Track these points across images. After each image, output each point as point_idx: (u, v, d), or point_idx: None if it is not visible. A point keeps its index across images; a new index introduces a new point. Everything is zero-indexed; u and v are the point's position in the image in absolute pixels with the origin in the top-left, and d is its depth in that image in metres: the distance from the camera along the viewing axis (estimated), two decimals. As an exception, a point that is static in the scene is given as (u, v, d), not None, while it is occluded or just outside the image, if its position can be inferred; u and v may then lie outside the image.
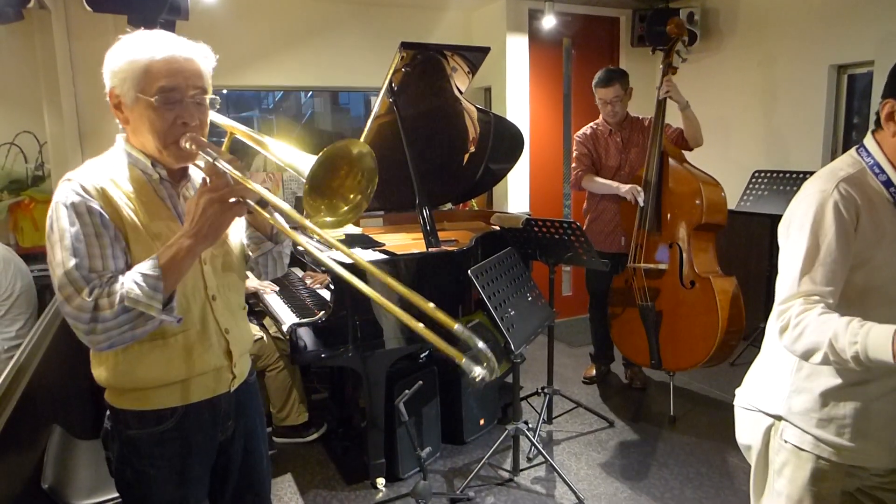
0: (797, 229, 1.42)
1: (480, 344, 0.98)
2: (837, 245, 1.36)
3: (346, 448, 3.20)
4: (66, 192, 1.24)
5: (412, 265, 2.78)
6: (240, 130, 1.41)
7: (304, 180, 1.21)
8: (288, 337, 2.58)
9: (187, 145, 1.29)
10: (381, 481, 2.80)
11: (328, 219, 1.30)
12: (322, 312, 2.63)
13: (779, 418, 1.52)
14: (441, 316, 1.01)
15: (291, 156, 1.30)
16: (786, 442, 1.50)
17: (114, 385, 1.38)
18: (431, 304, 1.04)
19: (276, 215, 1.38)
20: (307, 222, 1.19)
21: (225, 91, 5.12)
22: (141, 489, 1.42)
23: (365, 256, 2.76)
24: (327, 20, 4.54)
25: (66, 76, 3.45)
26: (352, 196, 1.32)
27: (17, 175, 3.05)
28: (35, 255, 2.95)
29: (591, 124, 3.75)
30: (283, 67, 4.45)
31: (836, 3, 3.90)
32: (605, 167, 3.67)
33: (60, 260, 1.20)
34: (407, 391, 2.62)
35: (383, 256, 2.79)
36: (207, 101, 1.35)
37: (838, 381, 1.42)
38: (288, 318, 2.74)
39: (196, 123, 1.31)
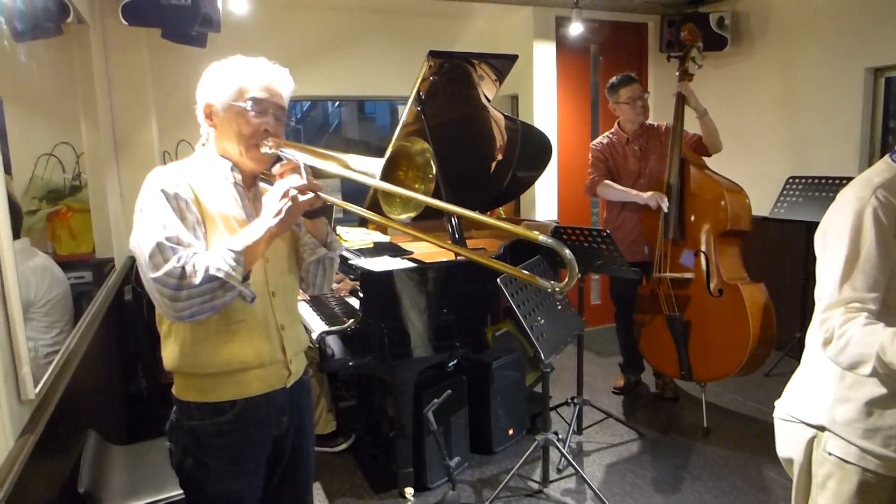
0: (835, 237, 1.40)
1: (567, 252, 1.16)
2: (877, 251, 1.34)
3: (374, 456, 3.20)
4: (156, 179, 1.41)
5: (441, 273, 2.77)
6: (308, 149, 1.62)
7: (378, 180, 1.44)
8: (317, 345, 2.59)
9: (267, 149, 1.47)
10: (409, 490, 2.79)
11: (404, 216, 1.51)
12: (351, 321, 2.64)
13: (821, 429, 1.48)
14: (524, 231, 1.24)
15: (358, 163, 1.49)
16: (829, 454, 1.46)
17: (180, 368, 1.49)
18: (508, 224, 1.30)
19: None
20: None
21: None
22: (200, 479, 1.52)
23: (393, 265, 2.76)
24: (354, 30, 4.59)
25: (102, 88, 3.54)
26: (417, 186, 1.52)
27: (55, 185, 3.10)
28: (72, 264, 3.01)
29: (607, 134, 3.73)
30: (311, 77, 4.50)
31: (873, 4, 3.82)
32: (623, 176, 3.63)
33: (151, 233, 1.33)
34: (436, 400, 2.61)
35: (412, 265, 2.79)
36: (284, 120, 1.56)
37: (884, 389, 1.38)
38: (317, 326, 2.75)
39: (275, 133, 1.50)
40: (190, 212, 1.40)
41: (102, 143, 3.44)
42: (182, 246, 1.35)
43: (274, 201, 1.39)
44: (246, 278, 1.38)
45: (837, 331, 1.32)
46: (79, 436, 2.06)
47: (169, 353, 1.50)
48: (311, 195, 1.41)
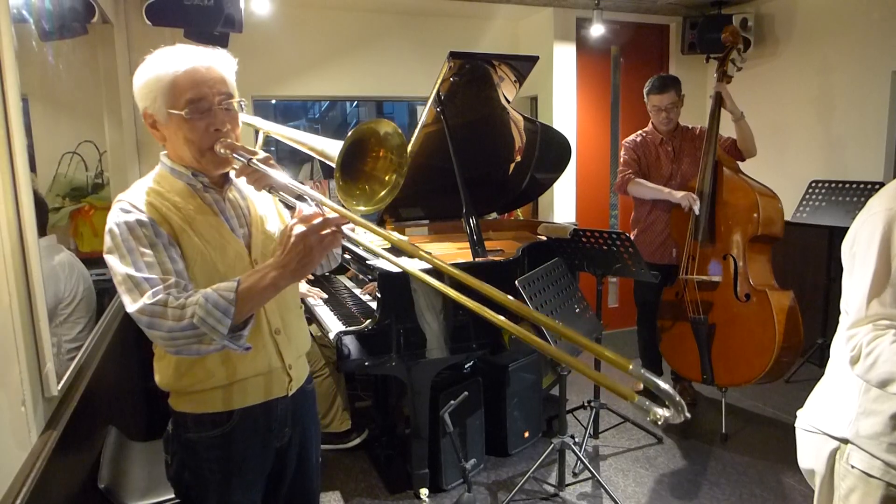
0: (863, 250, 1.37)
1: (662, 384, 0.87)
2: None
3: (389, 457, 3.20)
4: (116, 213, 1.31)
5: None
6: (268, 128, 1.52)
7: (335, 166, 1.24)
8: (334, 344, 2.60)
9: (222, 150, 1.34)
10: (424, 492, 2.79)
11: (362, 207, 1.32)
12: (368, 321, 2.65)
13: (845, 441, 1.45)
14: (613, 357, 0.92)
15: (321, 144, 1.32)
16: (853, 467, 1.43)
17: (172, 387, 1.43)
18: (601, 347, 0.97)
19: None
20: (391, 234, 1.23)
21: (273, 101, 5.22)
22: (198, 492, 1.46)
23: (410, 265, 2.76)
24: (375, 31, 4.59)
25: (126, 87, 3.57)
26: (387, 177, 1.35)
27: (79, 183, 3.14)
28: (95, 260, 3.04)
29: (641, 132, 3.68)
30: (331, 77, 4.51)
31: (900, 7, 3.75)
32: (655, 177, 3.59)
33: (121, 269, 1.26)
34: (452, 402, 2.61)
35: (429, 266, 2.78)
36: (235, 106, 1.40)
37: None
38: (334, 325, 2.76)
39: (227, 129, 1.36)
40: (157, 235, 1.30)
41: (125, 142, 3.48)
42: (155, 276, 1.25)
43: (286, 244, 1.23)
44: (243, 326, 1.26)
45: (865, 348, 1.29)
46: (99, 432, 2.08)
47: (163, 375, 1.43)
48: (330, 235, 1.22)
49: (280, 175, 1.31)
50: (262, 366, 1.45)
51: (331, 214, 1.23)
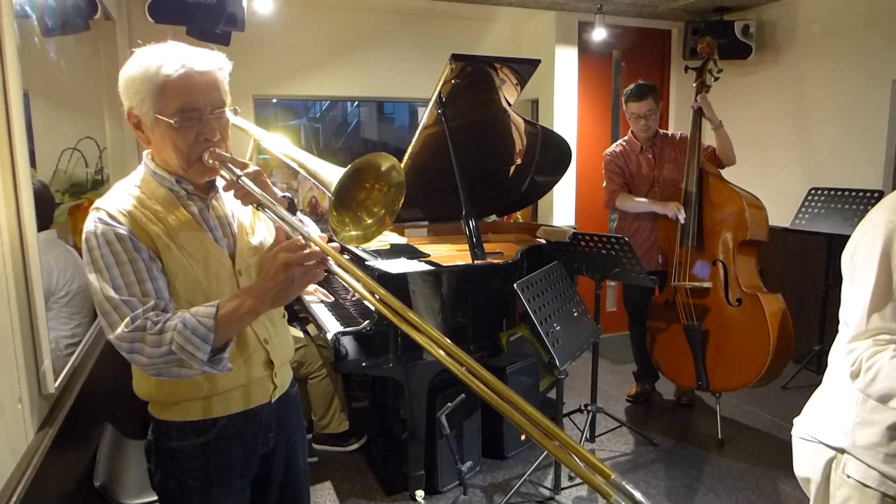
0: (863, 262, 1.37)
1: (638, 495, 0.87)
2: None
3: (385, 458, 3.20)
4: (94, 222, 1.25)
5: (456, 276, 2.76)
6: (260, 137, 1.47)
7: (331, 194, 1.21)
8: (332, 345, 2.60)
9: (210, 161, 1.29)
10: (420, 493, 2.79)
11: (354, 232, 1.30)
12: (366, 322, 2.64)
13: (841, 451, 1.45)
14: (593, 460, 0.90)
15: (316, 166, 1.30)
16: (848, 477, 1.43)
17: (155, 398, 1.41)
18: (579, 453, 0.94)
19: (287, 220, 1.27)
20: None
21: (274, 100, 5.22)
22: (184, 500, 1.43)
23: (409, 267, 2.76)
24: (377, 32, 4.60)
25: (127, 84, 3.57)
26: (376, 209, 1.31)
27: (78, 179, 3.14)
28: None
29: (621, 141, 3.73)
30: (332, 77, 4.52)
31: (902, 15, 3.76)
32: (638, 183, 3.64)
33: (98, 288, 1.22)
34: (449, 404, 2.60)
35: (428, 267, 2.79)
36: (227, 113, 1.34)
37: None
38: (332, 326, 2.76)
39: (217, 139, 1.31)
40: (137, 251, 1.24)
41: (125, 139, 3.48)
42: (136, 297, 1.22)
43: (267, 270, 1.20)
44: (222, 349, 1.24)
45: (865, 363, 1.29)
46: (96, 430, 2.07)
47: (143, 386, 1.40)
48: (315, 267, 1.19)
49: (270, 193, 1.27)
50: (251, 375, 1.43)
51: (314, 246, 1.20)
